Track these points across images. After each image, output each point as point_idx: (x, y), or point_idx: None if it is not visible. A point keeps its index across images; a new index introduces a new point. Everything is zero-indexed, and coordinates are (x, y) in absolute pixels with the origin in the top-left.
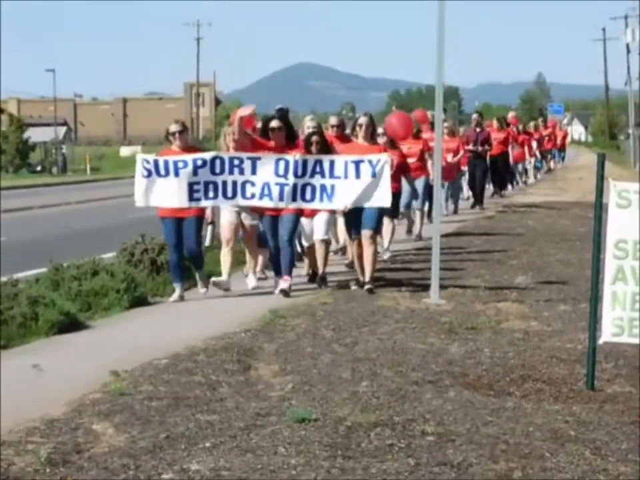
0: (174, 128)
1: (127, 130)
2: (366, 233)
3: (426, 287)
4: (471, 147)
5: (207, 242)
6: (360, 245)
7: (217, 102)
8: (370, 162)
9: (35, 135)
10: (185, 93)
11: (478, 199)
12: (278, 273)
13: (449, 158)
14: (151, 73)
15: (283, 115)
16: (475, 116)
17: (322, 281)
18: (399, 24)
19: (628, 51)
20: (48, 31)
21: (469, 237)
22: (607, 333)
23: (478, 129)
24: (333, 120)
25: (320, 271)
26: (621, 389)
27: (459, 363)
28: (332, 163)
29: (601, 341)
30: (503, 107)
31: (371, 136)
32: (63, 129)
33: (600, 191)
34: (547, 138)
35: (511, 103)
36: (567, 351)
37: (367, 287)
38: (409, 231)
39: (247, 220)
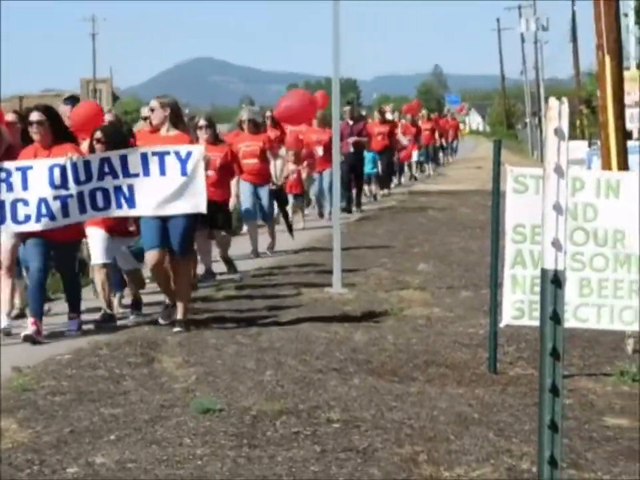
0: None
1: None
2: (175, 257)
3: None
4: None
5: None
6: (158, 263)
7: (114, 98)
8: (178, 154)
9: None
10: (81, 89)
11: (353, 200)
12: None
13: (320, 151)
14: (46, 69)
15: (45, 106)
16: (347, 108)
17: (105, 321)
18: (294, 16)
19: (522, 41)
20: None
21: (370, 227)
22: (508, 316)
23: (351, 122)
24: (202, 121)
25: (103, 303)
26: (523, 371)
27: (363, 350)
28: (124, 158)
29: (502, 324)
30: (400, 98)
31: (175, 124)
32: None
33: (497, 176)
34: (428, 131)
35: (409, 94)
36: (469, 335)
37: (176, 329)
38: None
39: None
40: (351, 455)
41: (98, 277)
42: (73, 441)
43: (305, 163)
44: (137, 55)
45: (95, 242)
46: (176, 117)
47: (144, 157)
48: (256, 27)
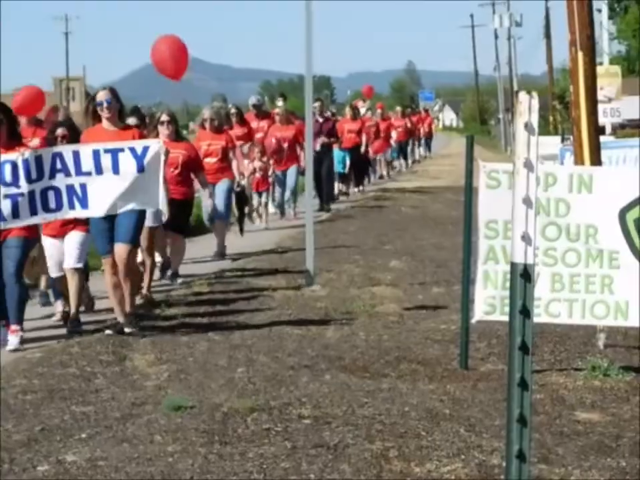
0: None
1: None
2: (120, 248)
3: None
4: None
5: None
6: (115, 266)
7: (87, 96)
8: (133, 151)
9: None
10: (54, 87)
11: (326, 199)
12: (2, 318)
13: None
14: (19, 68)
15: (2, 105)
16: (316, 104)
17: (73, 324)
18: (267, 13)
19: (496, 37)
20: None
21: (343, 224)
22: (480, 312)
23: (321, 119)
24: (164, 116)
25: (72, 310)
26: (494, 367)
27: (334, 347)
28: (76, 155)
29: (473, 320)
30: (374, 94)
31: (120, 116)
32: None
33: (469, 172)
34: (402, 128)
35: (382, 91)
36: (441, 332)
37: (126, 329)
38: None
39: None
40: (322, 451)
41: (72, 281)
42: (44, 439)
43: (272, 161)
44: (111, 52)
45: (70, 242)
46: (121, 110)
47: (96, 155)
48: (229, 24)
